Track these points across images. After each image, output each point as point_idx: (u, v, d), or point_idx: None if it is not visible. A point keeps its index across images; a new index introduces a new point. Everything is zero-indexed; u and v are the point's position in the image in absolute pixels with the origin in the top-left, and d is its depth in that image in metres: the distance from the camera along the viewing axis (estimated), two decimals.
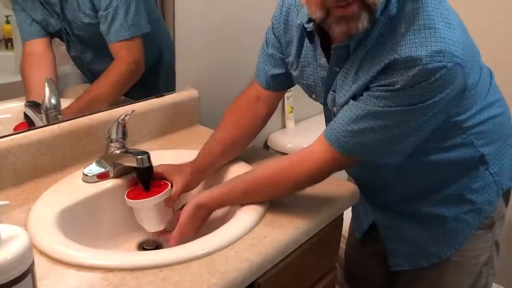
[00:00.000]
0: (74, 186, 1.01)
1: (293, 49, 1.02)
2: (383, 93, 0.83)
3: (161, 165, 1.05)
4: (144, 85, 1.27)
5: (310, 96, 1.07)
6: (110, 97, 1.22)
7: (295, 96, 1.78)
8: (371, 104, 0.85)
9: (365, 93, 0.87)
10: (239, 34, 1.49)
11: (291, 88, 1.73)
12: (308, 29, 0.94)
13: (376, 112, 0.84)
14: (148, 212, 1.01)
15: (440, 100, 0.82)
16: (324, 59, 0.95)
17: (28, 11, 1.09)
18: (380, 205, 1.15)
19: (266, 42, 1.10)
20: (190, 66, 1.37)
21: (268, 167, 0.98)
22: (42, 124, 1.07)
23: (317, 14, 0.83)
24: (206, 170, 1.08)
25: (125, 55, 1.20)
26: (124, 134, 1.03)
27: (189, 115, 1.36)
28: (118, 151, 1.03)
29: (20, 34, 1.09)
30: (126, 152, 1.03)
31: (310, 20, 0.92)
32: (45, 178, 1.05)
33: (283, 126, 1.82)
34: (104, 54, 1.18)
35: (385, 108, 0.83)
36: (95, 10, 1.14)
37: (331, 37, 0.92)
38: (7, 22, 1.08)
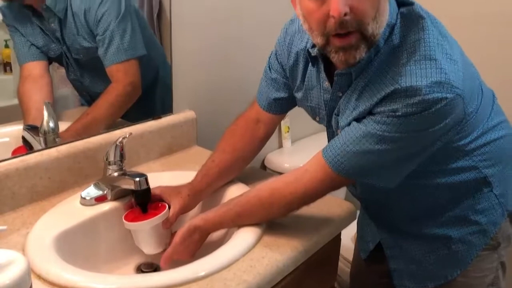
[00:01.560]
0: (72, 210, 1.01)
1: (299, 72, 1.04)
2: (384, 118, 0.84)
3: (158, 187, 1.06)
4: (141, 106, 1.28)
5: (314, 118, 1.08)
6: (108, 119, 1.23)
7: (291, 116, 1.80)
8: (371, 127, 0.86)
9: (367, 117, 0.88)
10: (236, 55, 1.51)
11: None
12: (312, 54, 0.96)
13: (375, 135, 0.85)
14: (146, 234, 1.02)
15: (438, 130, 0.84)
16: (327, 83, 0.97)
17: (28, 37, 1.11)
18: (385, 225, 1.14)
19: (269, 67, 1.11)
20: (187, 88, 1.39)
21: (262, 188, 0.98)
22: (40, 148, 1.08)
23: (318, 41, 0.85)
24: (203, 191, 1.08)
25: (121, 77, 1.22)
26: (122, 156, 1.04)
27: (186, 136, 1.37)
28: (116, 174, 1.04)
29: (17, 57, 1.11)
30: (124, 174, 1.03)
31: (314, 45, 0.93)
32: (43, 201, 1.05)
33: (280, 146, 1.83)
34: (102, 77, 1.20)
35: (385, 133, 0.84)
36: (93, 35, 1.16)
37: (333, 63, 0.94)
38: (6, 46, 1.10)
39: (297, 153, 1.79)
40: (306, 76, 1.03)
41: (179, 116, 1.35)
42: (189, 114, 1.38)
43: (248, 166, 1.18)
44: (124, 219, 1.02)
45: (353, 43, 0.81)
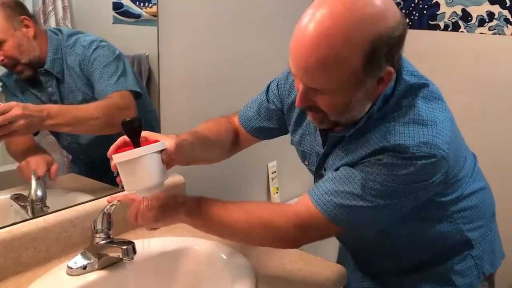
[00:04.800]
0: (58, 280, 0.99)
1: (294, 115, 1.07)
2: (370, 164, 0.86)
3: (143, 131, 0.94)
4: None
5: (303, 161, 1.10)
6: (91, 120, 1.16)
7: (280, 177, 1.81)
8: (357, 170, 0.87)
9: (354, 165, 0.90)
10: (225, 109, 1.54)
11: (275, 169, 1.78)
12: None
13: (359, 179, 0.86)
14: (146, 163, 0.87)
15: (421, 187, 0.86)
16: (320, 137, 1.00)
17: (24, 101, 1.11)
18: (370, 274, 1.15)
19: (267, 94, 1.12)
20: None
21: (250, 211, 0.95)
22: (27, 217, 1.07)
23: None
24: (188, 145, 0.97)
25: (117, 97, 1.20)
26: (110, 224, 1.04)
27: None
28: (103, 242, 1.03)
29: None
30: (111, 242, 1.03)
31: None
32: (29, 272, 1.03)
33: None
34: (101, 137, 1.19)
35: (368, 178, 0.85)
36: (90, 84, 1.18)
37: None
38: None
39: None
40: (304, 121, 1.05)
41: (167, 181, 1.35)
42: (178, 179, 1.39)
43: None
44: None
45: (316, 119, 0.90)
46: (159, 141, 0.90)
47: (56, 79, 1.15)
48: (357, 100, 0.84)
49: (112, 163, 0.88)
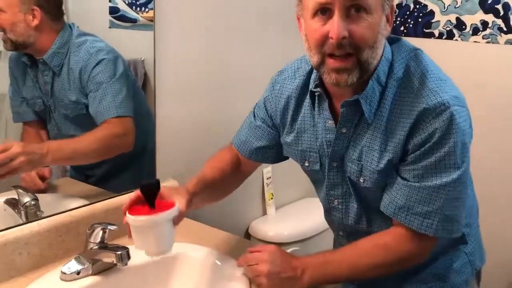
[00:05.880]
0: (51, 286, 0.99)
1: (289, 116, 1.06)
2: (425, 151, 0.88)
3: None
4: (126, 176, 1.29)
5: (302, 163, 1.08)
6: (89, 155, 1.20)
7: (274, 183, 1.81)
8: (429, 173, 0.89)
9: (410, 165, 0.91)
10: (222, 124, 1.54)
11: (270, 175, 1.77)
12: (316, 93, 0.99)
13: (439, 170, 0.89)
14: (159, 230, 0.90)
15: (468, 146, 0.90)
16: (331, 121, 0.98)
17: (21, 88, 1.15)
18: (367, 282, 1.14)
19: (254, 115, 1.14)
20: (171, 157, 1.40)
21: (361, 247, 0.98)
22: (21, 222, 1.07)
23: (314, 59, 0.89)
24: (197, 195, 1.02)
25: (115, 125, 1.21)
26: (104, 232, 1.03)
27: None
28: (97, 247, 1.02)
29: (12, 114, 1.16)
30: (105, 247, 1.02)
31: (317, 86, 0.97)
32: (22, 277, 1.03)
33: (264, 213, 1.83)
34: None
35: (444, 160, 0.88)
36: (83, 92, 1.19)
37: (333, 100, 0.98)
38: None
39: (282, 221, 1.79)
40: (299, 119, 1.04)
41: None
42: (172, 184, 1.38)
43: (232, 236, 1.18)
44: (129, 213, 0.90)
45: (348, 67, 0.86)
46: (174, 203, 0.92)
47: (53, 72, 1.16)
48: (381, 31, 0.88)
49: (125, 220, 0.91)
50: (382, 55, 0.91)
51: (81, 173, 1.27)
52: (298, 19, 0.95)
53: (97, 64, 1.19)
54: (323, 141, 1.01)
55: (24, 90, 1.16)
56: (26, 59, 1.15)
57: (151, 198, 0.90)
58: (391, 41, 0.96)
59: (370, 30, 0.85)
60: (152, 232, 0.90)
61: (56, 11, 1.15)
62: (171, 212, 0.90)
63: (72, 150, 1.17)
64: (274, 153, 1.13)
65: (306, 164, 1.07)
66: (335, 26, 0.83)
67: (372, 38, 0.86)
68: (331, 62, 0.87)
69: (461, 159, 0.88)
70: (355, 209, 1.02)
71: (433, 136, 0.87)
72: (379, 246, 0.96)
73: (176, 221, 0.92)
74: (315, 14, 0.87)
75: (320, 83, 0.97)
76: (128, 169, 1.28)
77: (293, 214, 1.82)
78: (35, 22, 1.10)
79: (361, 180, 0.97)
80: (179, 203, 0.93)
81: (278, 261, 0.96)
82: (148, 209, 0.90)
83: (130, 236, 0.92)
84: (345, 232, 1.10)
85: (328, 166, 1.02)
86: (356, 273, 0.96)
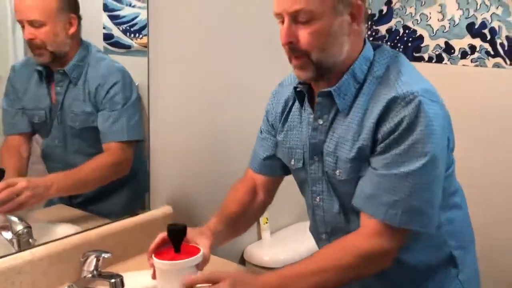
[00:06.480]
0: None
1: (283, 117, 1.10)
2: (393, 140, 0.90)
3: None
4: (112, 200, 1.28)
5: (289, 162, 1.09)
6: (89, 186, 1.24)
7: (269, 207, 1.80)
8: (396, 165, 0.90)
9: (380, 156, 0.92)
10: (217, 147, 1.54)
11: None
12: (298, 89, 1.03)
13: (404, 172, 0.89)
14: (182, 274, 0.92)
15: (440, 137, 0.91)
16: (312, 115, 1.01)
17: (22, 98, 1.16)
18: None
19: (261, 131, 1.17)
20: (165, 183, 1.39)
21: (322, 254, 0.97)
22: (13, 251, 1.05)
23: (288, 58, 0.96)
24: (221, 233, 1.06)
25: (118, 152, 1.25)
26: (98, 260, 1.02)
27: (164, 232, 1.36)
28: (91, 275, 1.01)
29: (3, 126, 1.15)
30: (99, 275, 1.01)
31: (301, 83, 1.02)
32: None
33: (259, 237, 1.82)
34: (87, 149, 1.24)
35: (412, 147, 0.89)
36: (96, 106, 1.21)
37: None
38: None
39: (277, 245, 1.77)
40: (289, 117, 1.08)
41: (156, 212, 1.35)
42: (166, 209, 1.37)
43: (227, 262, 1.17)
44: (156, 257, 0.93)
45: (301, 65, 0.94)
46: (198, 249, 0.95)
47: (70, 81, 1.18)
48: (335, 32, 0.92)
49: (151, 262, 0.94)
50: (361, 53, 0.96)
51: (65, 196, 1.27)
52: None
53: (116, 83, 1.22)
54: (306, 137, 1.04)
55: (25, 100, 1.17)
56: (42, 68, 1.16)
57: (177, 242, 0.94)
58: (374, 46, 1.01)
59: (317, 34, 0.91)
60: (177, 276, 0.92)
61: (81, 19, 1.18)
62: (197, 258, 0.93)
63: (76, 181, 1.20)
64: (281, 162, 1.14)
65: (292, 163, 1.09)
66: (282, 33, 0.92)
67: (319, 41, 0.91)
68: (292, 60, 0.95)
69: (429, 148, 0.89)
70: (334, 206, 1.03)
71: (401, 124, 0.89)
72: (345, 246, 0.94)
73: (200, 266, 0.95)
74: (279, 21, 0.95)
75: (304, 81, 1.02)
76: (115, 193, 1.28)
77: (289, 238, 1.81)
78: (72, 30, 1.14)
79: (337, 173, 0.98)
80: (203, 247, 0.97)
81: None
82: (173, 253, 0.93)
83: (154, 277, 0.95)
84: (326, 235, 1.09)
85: (310, 161, 1.04)
86: (325, 280, 0.91)
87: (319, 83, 0.99)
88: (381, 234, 0.92)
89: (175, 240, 0.93)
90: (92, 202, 1.28)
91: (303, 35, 0.91)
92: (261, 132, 1.17)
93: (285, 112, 1.10)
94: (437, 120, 0.90)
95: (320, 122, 1.00)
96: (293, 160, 1.08)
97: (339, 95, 0.96)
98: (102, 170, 1.24)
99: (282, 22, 0.93)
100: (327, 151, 1.00)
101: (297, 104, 1.07)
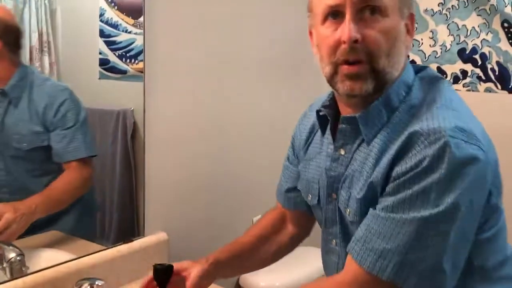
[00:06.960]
0: None
1: (306, 143, 0.99)
2: (405, 181, 0.74)
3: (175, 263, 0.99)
4: (65, 220, 1.26)
5: (307, 197, 0.98)
6: (66, 199, 1.23)
7: None
8: (403, 206, 0.74)
9: (382, 200, 0.77)
10: (212, 175, 1.53)
11: None
12: (321, 113, 0.91)
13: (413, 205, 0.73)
14: None
15: (469, 187, 0.73)
16: (332, 146, 0.89)
17: None
18: None
19: (288, 157, 1.07)
20: (161, 209, 1.38)
21: None
22: (5, 279, 1.03)
23: (327, 70, 0.82)
24: (224, 262, 1.00)
25: (79, 169, 1.24)
26: None
27: (158, 258, 1.33)
28: None
29: None
30: None
31: (325, 107, 0.90)
32: None
33: None
34: (35, 171, 1.21)
35: (423, 200, 0.72)
36: (45, 125, 1.18)
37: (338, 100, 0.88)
38: None
39: (274, 271, 1.73)
40: (311, 145, 0.97)
41: (151, 238, 1.33)
42: (161, 235, 1.36)
43: None
44: None
45: (361, 73, 0.78)
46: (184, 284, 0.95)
47: (9, 102, 1.15)
48: (400, 37, 0.80)
49: None
50: (400, 76, 0.82)
51: None
52: (310, 34, 0.88)
53: (64, 101, 1.20)
54: (323, 170, 0.91)
55: None
56: None
57: (163, 282, 0.95)
58: (417, 69, 0.87)
59: (386, 34, 0.78)
60: None
61: (15, 42, 1.15)
62: None
63: (53, 201, 1.19)
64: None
65: (309, 198, 0.96)
66: (346, 29, 0.76)
67: (388, 43, 0.78)
68: (344, 68, 0.79)
69: (450, 198, 0.72)
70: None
71: (418, 166, 0.73)
72: (336, 283, 0.83)
73: None
74: (325, 19, 0.81)
75: (330, 105, 0.90)
76: (66, 212, 1.26)
77: (285, 263, 1.77)
78: None
79: (347, 212, 0.85)
80: (191, 279, 0.94)
81: None
82: None
83: None
84: None
85: (327, 198, 0.90)
86: None
87: (349, 107, 0.84)
88: (371, 285, 0.77)
89: (161, 280, 0.94)
90: (48, 223, 1.25)
91: (371, 33, 0.77)
92: (287, 159, 1.06)
93: (309, 139, 0.98)
94: (470, 166, 0.73)
95: (342, 152, 0.86)
96: (310, 195, 0.96)
97: (367, 123, 0.81)
98: (73, 188, 1.24)
99: (329, 17, 0.79)
100: (344, 185, 0.86)
101: (318, 130, 0.95)
